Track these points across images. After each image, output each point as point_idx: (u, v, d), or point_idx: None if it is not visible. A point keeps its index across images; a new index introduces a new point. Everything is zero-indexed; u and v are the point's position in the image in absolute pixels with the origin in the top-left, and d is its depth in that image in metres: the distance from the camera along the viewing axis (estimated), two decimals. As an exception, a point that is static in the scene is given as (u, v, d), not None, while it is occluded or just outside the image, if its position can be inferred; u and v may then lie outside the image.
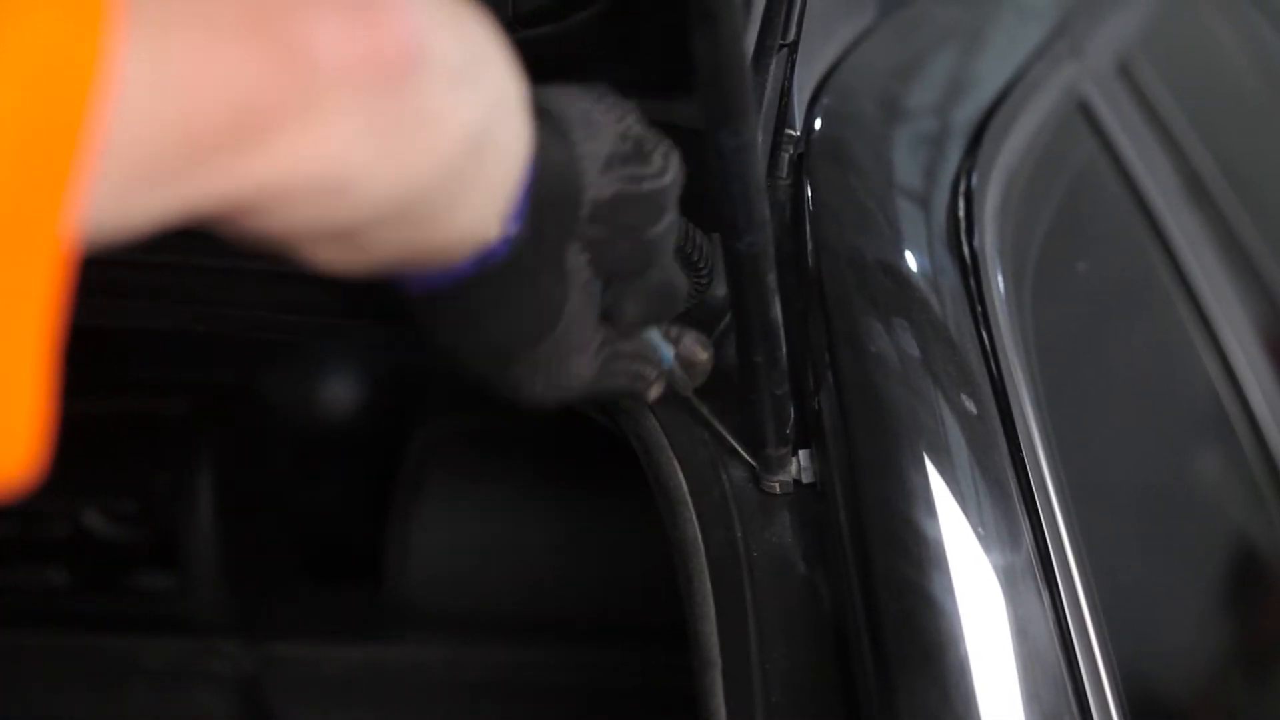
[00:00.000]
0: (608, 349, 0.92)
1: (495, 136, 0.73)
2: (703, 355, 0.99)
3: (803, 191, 1.05)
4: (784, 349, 0.94)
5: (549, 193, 0.81)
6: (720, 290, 1.00)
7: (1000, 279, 1.11)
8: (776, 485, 0.98)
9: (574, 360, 0.90)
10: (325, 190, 0.62)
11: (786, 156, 1.06)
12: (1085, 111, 1.55)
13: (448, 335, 0.86)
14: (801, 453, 0.99)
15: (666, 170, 0.88)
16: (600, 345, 0.91)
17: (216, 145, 0.57)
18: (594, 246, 0.87)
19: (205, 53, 0.56)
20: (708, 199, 0.87)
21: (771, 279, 0.90)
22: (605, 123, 0.85)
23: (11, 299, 0.51)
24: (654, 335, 0.97)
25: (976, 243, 1.11)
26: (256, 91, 0.57)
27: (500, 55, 0.74)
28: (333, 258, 0.72)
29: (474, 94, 0.70)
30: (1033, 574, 0.97)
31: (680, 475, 1.00)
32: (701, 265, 1.05)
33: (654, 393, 0.98)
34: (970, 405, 1.01)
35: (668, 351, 0.98)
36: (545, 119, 0.82)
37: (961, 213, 1.13)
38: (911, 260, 1.08)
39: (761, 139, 1.03)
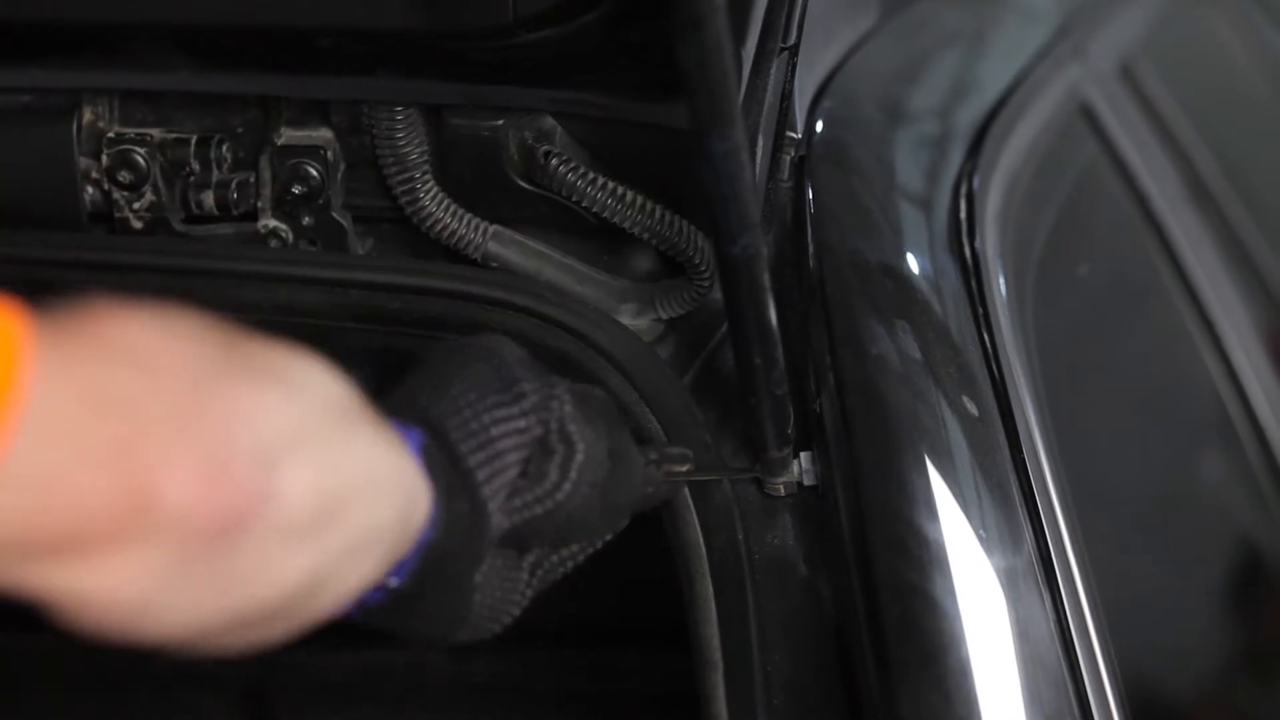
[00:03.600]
0: (541, 566, 0.94)
1: (340, 572, 0.74)
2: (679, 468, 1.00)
3: (804, 194, 1.06)
4: (781, 351, 0.94)
5: (451, 543, 0.83)
6: (718, 293, 1.00)
7: (1002, 281, 1.12)
8: (779, 488, 0.99)
9: (506, 606, 0.91)
10: (123, 609, 0.64)
11: (788, 159, 1.06)
12: (1087, 114, 1.55)
13: (390, 628, 0.89)
14: (803, 455, 0.99)
15: (564, 481, 0.89)
16: (531, 570, 0.93)
17: (39, 547, 0.60)
18: (506, 544, 0.90)
19: (68, 470, 0.59)
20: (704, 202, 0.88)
21: (765, 281, 0.90)
22: (508, 448, 0.87)
23: None
24: None
25: (978, 245, 1.11)
26: (92, 515, 0.60)
27: (374, 487, 0.75)
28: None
29: (313, 545, 0.70)
30: (1034, 576, 0.97)
31: (682, 478, 1.00)
32: (702, 267, 1.05)
33: None
34: (972, 407, 1.01)
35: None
36: (451, 469, 0.84)
37: (963, 215, 1.13)
38: (913, 262, 1.08)
39: (763, 142, 1.03)
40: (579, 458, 0.90)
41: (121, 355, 0.62)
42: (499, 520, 0.87)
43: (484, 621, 0.91)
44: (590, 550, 0.96)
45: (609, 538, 0.97)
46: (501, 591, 0.90)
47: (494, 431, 0.86)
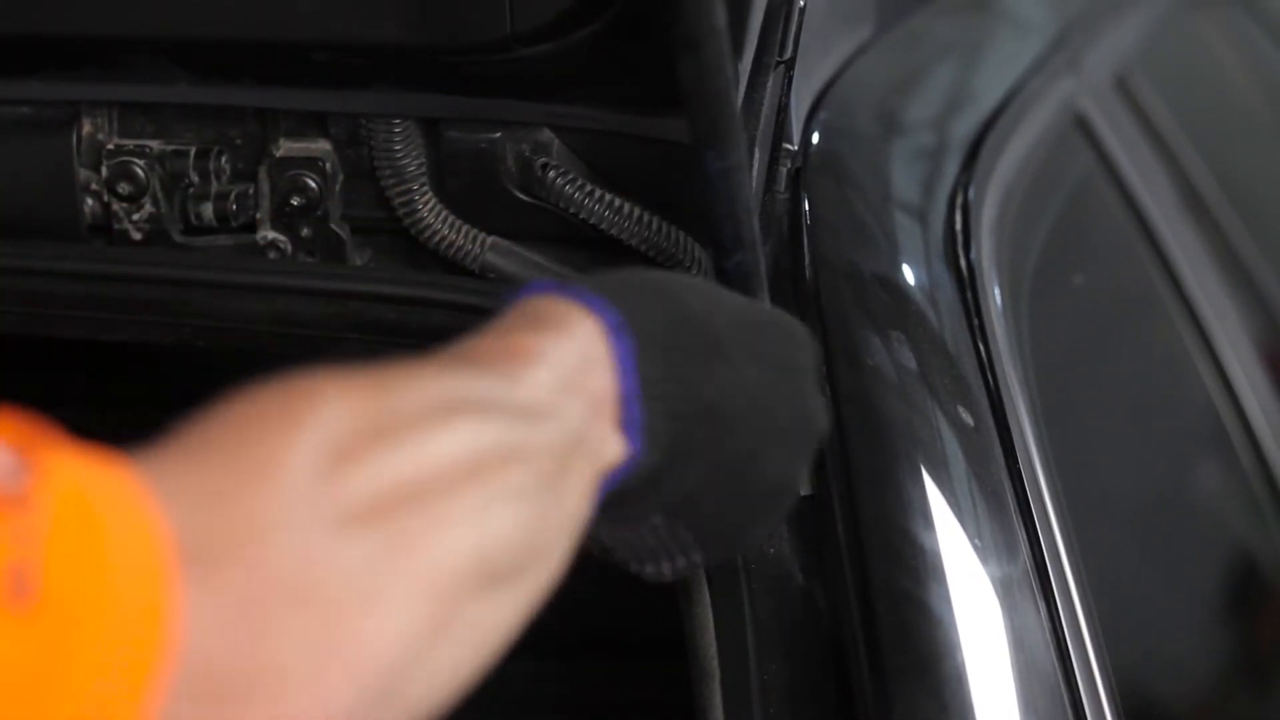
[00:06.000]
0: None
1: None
2: None
3: (800, 206, 1.06)
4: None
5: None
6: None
7: (997, 292, 1.12)
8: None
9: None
10: None
11: (784, 171, 1.07)
12: (1082, 125, 1.56)
13: None
14: (800, 465, 0.99)
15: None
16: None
17: None
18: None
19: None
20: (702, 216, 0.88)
21: (762, 297, 0.91)
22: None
23: None
24: None
25: (973, 256, 1.11)
26: None
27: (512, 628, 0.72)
28: None
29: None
30: (1029, 585, 0.97)
31: (679, 487, 1.00)
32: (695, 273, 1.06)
33: None
34: (967, 417, 1.01)
35: None
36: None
37: (958, 226, 1.13)
38: (908, 273, 1.08)
39: (759, 154, 1.03)
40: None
41: (247, 608, 0.61)
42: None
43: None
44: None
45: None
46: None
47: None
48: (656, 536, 0.83)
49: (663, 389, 0.76)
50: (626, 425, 0.75)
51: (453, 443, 0.67)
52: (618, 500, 0.77)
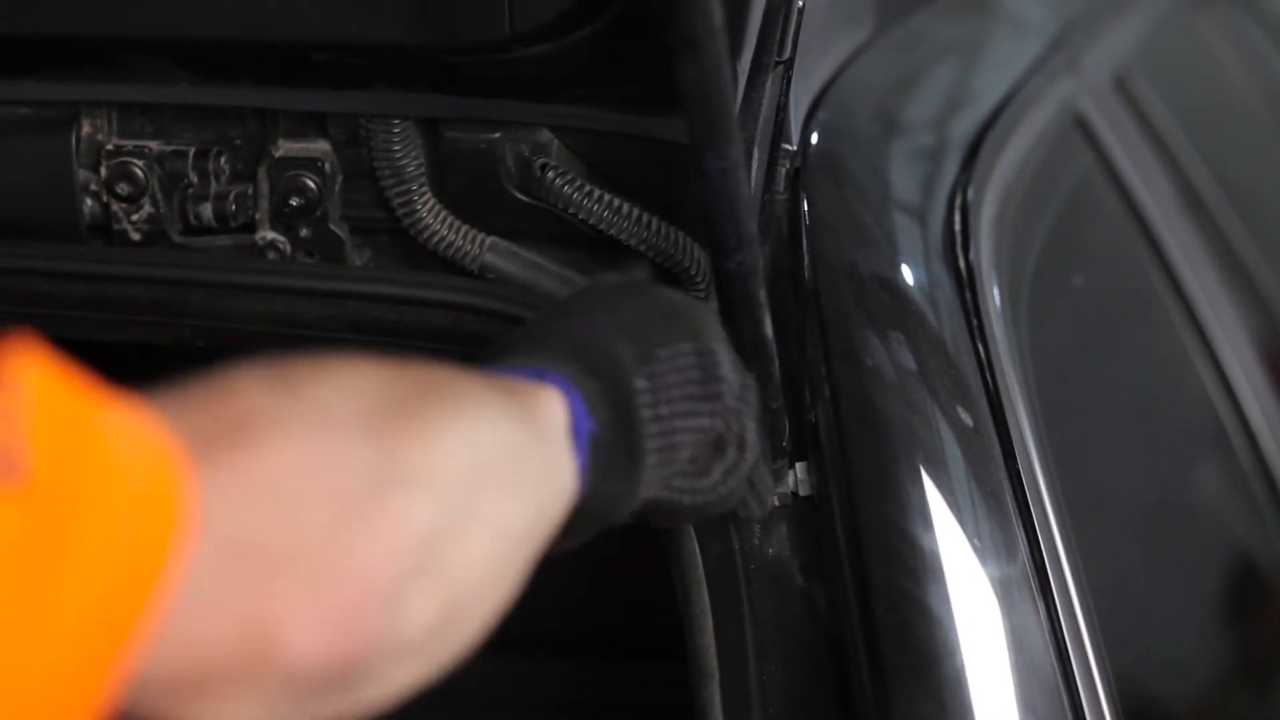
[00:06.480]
0: None
1: (463, 640, 0.73)
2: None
3: (799, 206, 1.06)
4: (777, 364, 0.94)
5: (592, 509, 0.81)
6: (714, 302, 1.00)
7: (996, 292, 1.12)
8: (775, 498, 0.99)
9: None
10: None
11: (783, 171, 1.07)
12: (1082, 126, 1.56)
13: None
14: (798, 465, 0.99)
15: (724, 484, 0.88)
16: None
17: (158, 685, 0.60)
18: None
19: (199, 622, 0.59)
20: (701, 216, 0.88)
21: (762, 296, 0.91)
22: (685, 442, 0.84)
23: None
24: None
25: (973, 256, 1.11)
26: (214, 662, 0.61)
27: (514, 553, 0.74)
28: None
29: (434, 651, 0.70)
30: (1028, 585, 0.97)
31: (678, 488, 1.00)
32: (698, 279, 1.06)
33: None
34: (966, 418, 1.01)
35: None
36: (621, 454, 0.82)
37: (958, 226, 1.13)
38: (908, 274, 1.08)
39: (758, 154, 1.03)
40: (746, 464, 0.88)
41: (267, 488, 0.62)
42: (645, 494, 0.84)
43: None
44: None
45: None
46: None
47: (678, 424, 0.84)
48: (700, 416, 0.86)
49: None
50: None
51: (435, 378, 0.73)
52: (630, 455, 0.82)
